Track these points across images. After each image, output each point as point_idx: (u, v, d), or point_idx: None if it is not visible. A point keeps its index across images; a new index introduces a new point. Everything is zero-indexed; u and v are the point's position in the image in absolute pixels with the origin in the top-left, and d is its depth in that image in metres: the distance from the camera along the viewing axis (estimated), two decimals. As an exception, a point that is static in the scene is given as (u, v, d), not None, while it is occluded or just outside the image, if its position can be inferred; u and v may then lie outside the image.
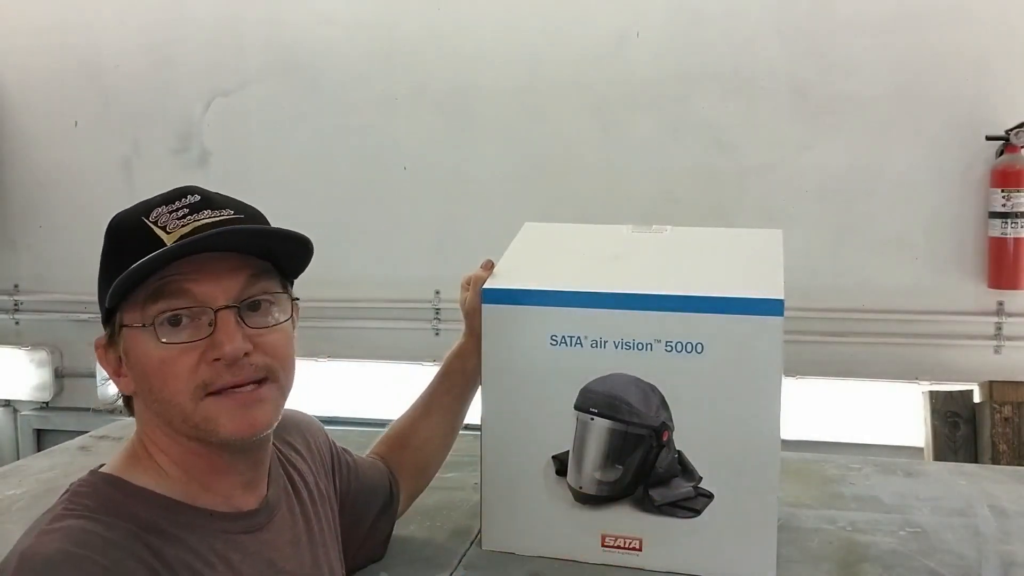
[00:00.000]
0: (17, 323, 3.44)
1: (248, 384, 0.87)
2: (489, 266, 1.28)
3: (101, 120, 3.26)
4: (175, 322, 0.86)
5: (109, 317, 0.89)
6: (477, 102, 2.99)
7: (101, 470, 0.90)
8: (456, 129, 3.01)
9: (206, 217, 0.88)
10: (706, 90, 2.84)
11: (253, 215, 0.92)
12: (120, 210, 0.92)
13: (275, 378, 0.90)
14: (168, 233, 0.86)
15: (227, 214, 0.90)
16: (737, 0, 2.81)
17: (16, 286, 3.41)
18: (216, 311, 0.86)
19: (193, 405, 0.86)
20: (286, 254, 0.93)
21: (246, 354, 0.87)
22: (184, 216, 0.88)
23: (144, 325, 0.86)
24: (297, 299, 0.95)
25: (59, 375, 3.39)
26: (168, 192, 0.91)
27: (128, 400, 0.94)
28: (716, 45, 2.83)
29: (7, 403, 3.46)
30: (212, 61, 3.15)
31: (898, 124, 2.75)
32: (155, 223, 0.87)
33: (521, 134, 2.97)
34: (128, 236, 0.88)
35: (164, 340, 0.85)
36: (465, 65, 2.98)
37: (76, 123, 3.29)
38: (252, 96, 3.14)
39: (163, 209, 0.88)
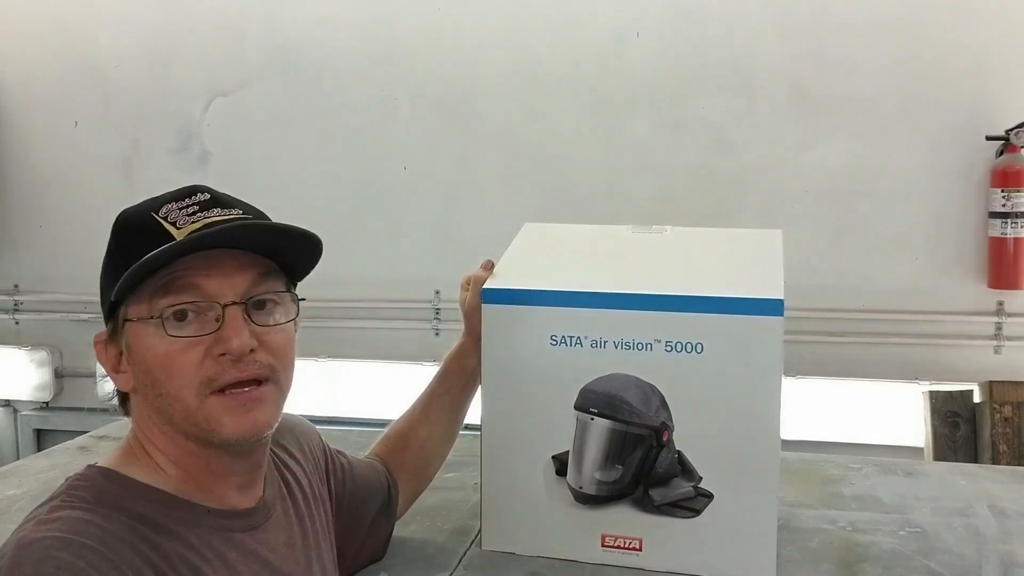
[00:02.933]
0: (17, 323, 3.43)
1: (250, 383, 0.88)
2: (489, 266, 1.28)
3: (101, 120, 3.26)
4: (181, 316, 0.86)
5: (112, 312, 0.89)
6: (477, 102, 2.99)
7: (98, 465, 0.90)
8: (456, 129, 3.01)
9: (216, 215, 0.89)
10: (706, 90, 2.84)
11: (259, 216, 0.93)
12: (126, 207, 0.92)
13: (276, 379, 0.90)
14: (178, 229, 0.87)
15: (236, 213, 0.91)
16: (737, 0, 2.81)
17: (16, 286, 3.41)
18: (224, 307, 0.87)
19: (198, 402, 0.86)
20: (295, 253, 0.94)
21: (251, 351, 0.87)
22: (194, 213, 0.89)
23: (151, 318, 0.86)
24: (303, 299, 0.96)
25: (59, 375, 3.39)
26: (177, 190, 0.92)
27: (124, 398, 0.94)
28: (716, 45, 2.83)
29: (7, 403, 3.46)
30: (212, 61, 3.15)
31: (898, 124, 2.75)
32: (164, 218, 0.88)
33: (521, 134, 2.97)
34: (137, 231, 0.88)
35: (171, 333, 0.85)
36: (465, 65, 2.98)
37: (76, 123, 3.29)
38: (252, 96, 3.14)
39: (173, 205, 0.89)
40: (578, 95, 2.93)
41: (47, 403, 3.44)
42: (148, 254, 0.83)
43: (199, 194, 0.91)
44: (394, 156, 3.05)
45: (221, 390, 0.87)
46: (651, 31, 2.86)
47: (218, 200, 0.91)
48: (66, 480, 0.88)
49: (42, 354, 3.35)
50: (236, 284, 0.88)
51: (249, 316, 0.88)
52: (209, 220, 0.88)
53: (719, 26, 2.82)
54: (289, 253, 0.93)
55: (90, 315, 3.30)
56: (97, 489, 0.85)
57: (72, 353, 3.38)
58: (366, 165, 3.08)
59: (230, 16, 3.12)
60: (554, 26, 2.92)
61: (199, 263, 0.86)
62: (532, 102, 2.95)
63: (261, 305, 0.90)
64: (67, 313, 3.34)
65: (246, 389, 0.88)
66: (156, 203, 0.90)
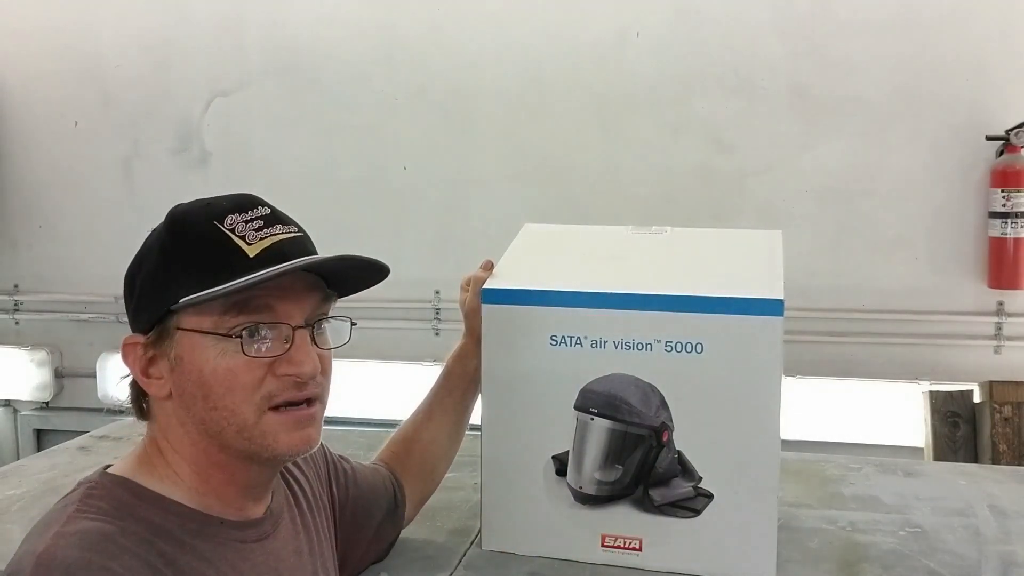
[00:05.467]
0: (17, 323, 3.43)
1: (303, 402, 0.89)
2: (488, 266, 1.28)
3: (101, 120, 3.26)
4: (251, 335, 0.86)
5: (160, 317, 0.87)
6: (477, 102, 2.99)
7: (111, 471, 0.89)
8: (456, 129, 3.01)
9: (280, 232, 0.89)
10: (706, 90, 2.84)
11: (306, 233, 0.94)
12: (179, 203, 0.92)
13: (323, 399, 0.93)
14: (249, 245, 0.86)
15: (293, 230, 0.91)
16: (737, 0, 2.81)
17: (16, 286, 3.41)
18: (294, 329, 0.88)
19: (256, 418, 0.87)
20: (358, 282, 0.95)
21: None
22: (260, 228, 0.88)
23: (222, 334, 0.85)
24: (355, 323, 0.96)
25: (59, 375, 3.39)
26: (233, 198, 0.91)
27: (141, 403, 0.92)
28: (716, 45, 2.83)
29: (7, 403, 3.46)
30: (212, 61, 3.15)
31: (898, 124, 2.75)
32: (232, 231, 0.87)
33: (521, 134, 2.97)
34: (205, 242, 0.87)
35: (247, 353, 0.86)
36: (465, 65, 2.98)
37: (76, 123, 3.29)
38: (252, 96, 3.14)
39: (237, 218, 0.88)
40: (578, 95, 2.93)
41: (47, 403, 3.44)
42: (219, 268, 0.84)
43: (259, 207, 0.90)
44: (394, 156, 3.06)
45: (277, 407, 0.88)
46: (651, 31, 2.86)
47: (276, 215, 0.91)
48: (79, 485, 0.87)
49: (42, 354, 3.35)
50: (304, 307, 0.90)
51: (313, 339, 0.90)
52: (276, 238, 0.88)
53: (719, 26, 2.82)
54: (352, 281, 0.95)
55: (90, 315, 3.31)
56: (114, 498, 0.85)
57: (72, 353, 3.38)
58: (366, 165, 3.08)
59: (230, 16, 3.12)
60: (554, 26, 2.92)
61: (272, 283, 0.86)
62: (532, 102, 2.95)
63: (319, 327, 0.92)
64: (67, 313, 3.35)
65: (301, 407, 0.89)
66: (215, 211, 0.89)
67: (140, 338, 0.89)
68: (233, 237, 0.87)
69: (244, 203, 0.90)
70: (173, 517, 0.86)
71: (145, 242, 0.92)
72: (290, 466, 1.06)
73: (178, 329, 0.86)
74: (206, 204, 0.90)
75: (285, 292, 0.88)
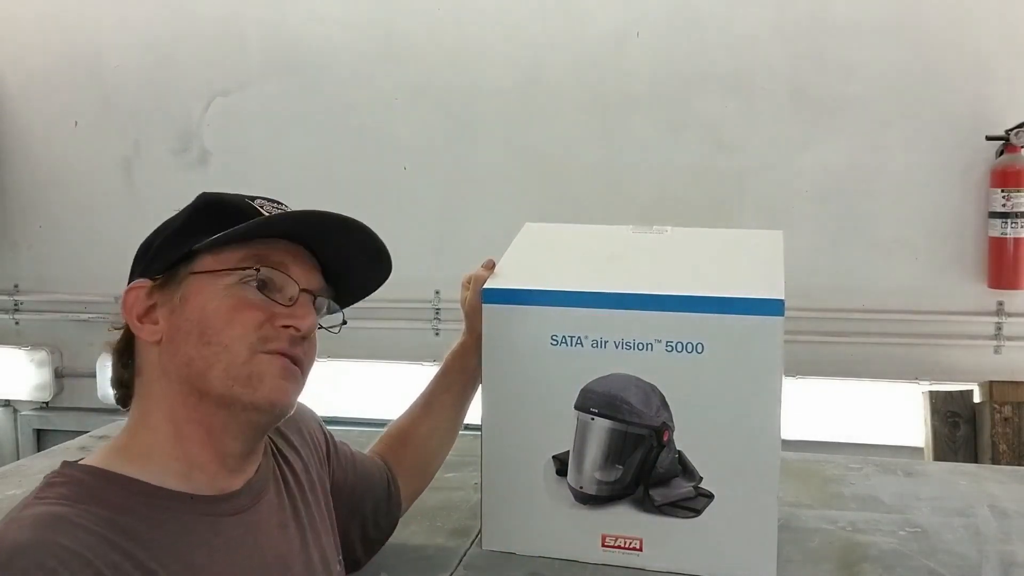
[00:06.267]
0: (17, 323, 3.43)
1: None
2: (490, 265, 1.28)
3: (101, 120, 3.26)
4: (263, 286, 0.92)
5: (171, 266, 0.92)
6: (477, 102, 2.99)
7: (79, 462, 0.89)
8: (456, 129, 3.01)
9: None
10: (706, 90, 2.84)
11: None
12: (204, 191, 0.98)
13: (305, 371, 0.96)
14: (270, 215, 0.95)
15: None
16: (737, 0, 2.81)
17: (16, 286, 3.41)
18: (302, 290, 0.94)
19: (248, 355, 0.89)
20: (360, 279, 1.04)
21: (305, 338, 0.93)
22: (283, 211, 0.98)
23: (242, 267, 0.91)
24: (345, 323, 1.03)
25: (59, 375, 3.39)
26: (260, 196, 0.99)
27: (123, 356, 0.94)
28: (716, 45, 2.83)
29: (7, 403, 3.46)
30: (212, 61, 3.15)
31: (898, 124, 2.75)
32: (261, 207, 0.96)
33: (521, 134, 2.97)
34: (232, 207, 0.94)
35: (260, 290, 0.91)
36: (465, 65, 2.98)
37: (76, 123, 3.29)
38: (252, 96, 3.14)
39: (265, 201, 0.98)
40: (578, 95, 2.93)
41: (47, 403, 3.44)
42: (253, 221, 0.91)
43: (284, 204, 0.99)
44: (394, 156, 3.06)
45: (270, 352, 0.90)
46: (651, 31, 2.86)
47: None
48: (44, 478, 0.87)
49: (42, 354, 3.35)
50: (312, 279, 0.97)
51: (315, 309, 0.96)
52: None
53: (719, 27, 2.82)
54: (353, 274, 1.02)
55: (90, 315, 3.31)
56: (75, 483, 0.85)
57: (72, 353, 3.38)
58: (366, 165, 3.08)
59: (230, 16, 3.12)
60: (554, 26, 2.92)
61: (287, 249, 0.94)
62: (532, 102, 2.95)
63: (318, 307, 0.97)
64: (67, 313, 3.34)
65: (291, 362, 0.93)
66: (246, 194, 0.97)
67: (146, 283, 0.92)
68: (261, 211, 0.95)
69: (274, 199, 0.99)
70: (138, 496, 0.86)
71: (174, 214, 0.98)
72: (283, 445, 1.05)
73: (191, 274, 0.91)
74: (234, 194, 0.98)
75: (297, 259, 0.95)
